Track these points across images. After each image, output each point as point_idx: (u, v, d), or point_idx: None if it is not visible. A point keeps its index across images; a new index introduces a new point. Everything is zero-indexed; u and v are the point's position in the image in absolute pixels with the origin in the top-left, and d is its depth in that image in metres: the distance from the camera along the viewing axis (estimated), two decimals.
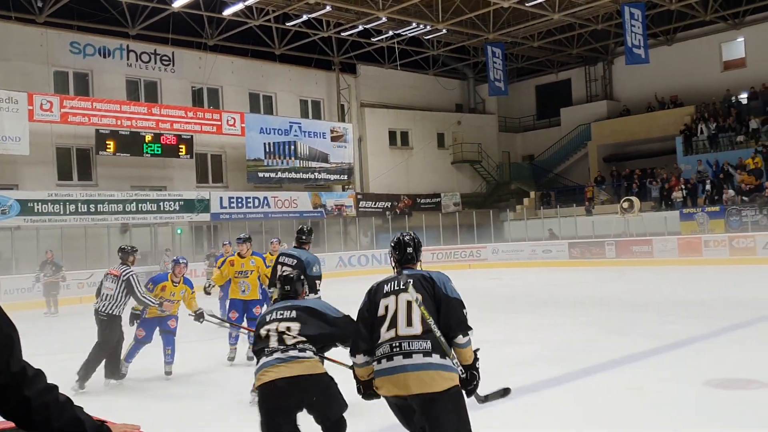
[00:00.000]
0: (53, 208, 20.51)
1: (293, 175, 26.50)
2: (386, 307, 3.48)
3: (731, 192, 22.57)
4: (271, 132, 25.78)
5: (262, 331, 4.10)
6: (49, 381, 1.75)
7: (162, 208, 22.69)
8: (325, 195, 27.20)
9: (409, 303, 3.43)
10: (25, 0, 21.64)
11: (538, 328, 10.24)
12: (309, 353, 3.98)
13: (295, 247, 6.62)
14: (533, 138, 34.99)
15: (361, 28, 26.09)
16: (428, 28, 25.98)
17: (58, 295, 16.09)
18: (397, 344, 3.36)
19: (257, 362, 4.03)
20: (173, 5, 22.15)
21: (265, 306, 9.37)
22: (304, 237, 6.52)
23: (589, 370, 7.03)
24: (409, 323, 3.39)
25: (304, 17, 24.62)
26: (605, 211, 26.01)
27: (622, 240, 23.11)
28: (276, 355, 3.91)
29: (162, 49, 24.54)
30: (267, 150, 25.64)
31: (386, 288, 3.55)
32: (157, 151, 22.83)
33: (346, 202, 27.64)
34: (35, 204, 20.19)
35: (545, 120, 34.86)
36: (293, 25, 25.59)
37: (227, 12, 23.24)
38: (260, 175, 25.57)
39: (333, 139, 27.57)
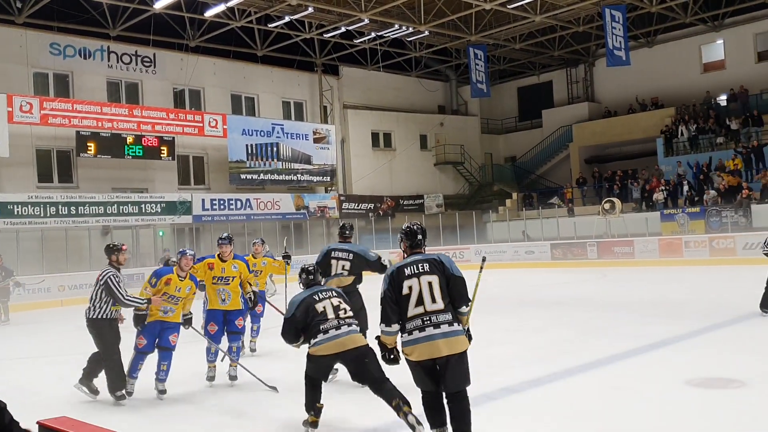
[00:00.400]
0: (33, 210, 20.26)
1: (276, 176, 26.42)
2: (410, 288, 4.35)
3: (713, 192, 22.80)
4: (254, 133, 25.69)
5: (318, 307, 5.22)
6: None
7: (144, 210, 22.51)
8: (307, 197, 27.15)
9: (430, 283, 4.34)
10: (3, 0, 21.38)
11: (521, 329, 10.29)
12: (355, 327, 5.23)
13: (340, 242, 7.29)
14: (515, 139, 35.17)
15: (343, 29, 26.08)
16: (410, 29, 26.01)
17: (9, 301, 15.19)
18: (427, 318, 4.29)
19: (312, 336, 5.16)
20: (154, 6, 21.99)
21: (248, 317, 8.70)
22: (347, 232, 7.30)
23: (572, 371, 7.06)
24: (434, 300, 4.32)
25: (287, 19, 24.55)
26: (587, 213, 26.19)
27: (603, 241, 23.26)
28: (331, 333, 5.10)
29: (143, 50, 24.36)
30: (249, 152, 25.55)
31: (407, 271, 4.40)
32: (139, 152, 22.66)
33: (329, 204, 27.61)
34: (15, 206, 19.93)
35: (527, 122, 35.04)
36: (275, 27, 25.52)
37: (209, 13, 23.12)
38: (242, 176, 25.47)
39: (316, 140, 27.53)
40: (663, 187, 24.75)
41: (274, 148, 26.26)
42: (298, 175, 27.10)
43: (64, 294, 18.69)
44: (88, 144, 21.61)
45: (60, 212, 20.77)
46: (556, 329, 9.99)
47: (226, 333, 7.45)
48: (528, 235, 26.11)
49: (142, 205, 22.53)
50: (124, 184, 23.19)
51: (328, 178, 28.19)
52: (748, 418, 5.31)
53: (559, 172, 32.19)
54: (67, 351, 10.56)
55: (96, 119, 21.86)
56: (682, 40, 29.57)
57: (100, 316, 6.69)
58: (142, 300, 6.75)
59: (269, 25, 25.42)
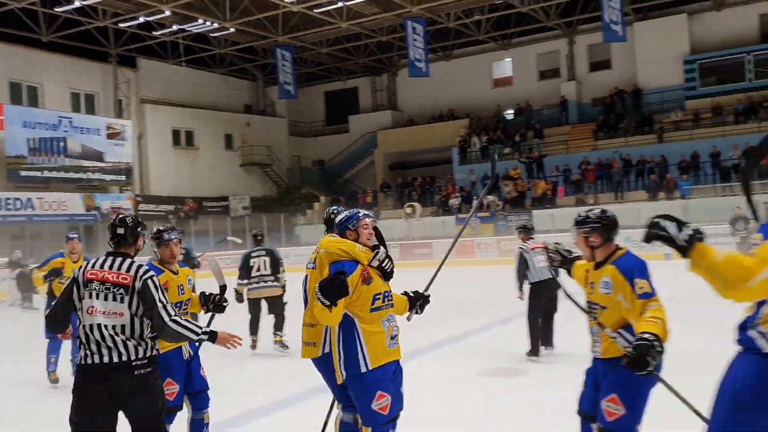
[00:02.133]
0: None
1: (63, 174, 24.16)
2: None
3: (491, 197, 24.75)
4: (37, 126, 23.27)
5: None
6: None
7: None
8: (99, 197, 25.14)
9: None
10: None
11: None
12: None
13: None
14: (323, 143, 35.47)
15: (142, 20, 24.52)
16: (215, 25, 25.15)
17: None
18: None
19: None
20: None
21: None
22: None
23: None
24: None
25: (77, 3, 22.57)
26: (390, 216, 27.07)
27: (405, 243, 24.19)
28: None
29: None
30: (31, 146, 23.11)
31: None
32: None
33: (124, 205, 25.74)
34: None
35: (334, 126, 35.51)
36: (63, 11, 23.32)
37: None
38: (23, 173, 22.96)
39: (109, 136, 25.61)
40: (458, 194, 26.32)
41: (61, 143, 23.99)
42: (89, 174, 25.01)
43: None
44: None
45: None
46: None
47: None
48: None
49: None
50: None
51: (124, 176, 26.35)
52: (532, 403, 5.64)
53: (365, 177, 32.93)
54: None
55: None
56: (475, 56, 31.65)
57: (149, 355, 3.44)
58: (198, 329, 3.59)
59: (56, 9, 23.17)
